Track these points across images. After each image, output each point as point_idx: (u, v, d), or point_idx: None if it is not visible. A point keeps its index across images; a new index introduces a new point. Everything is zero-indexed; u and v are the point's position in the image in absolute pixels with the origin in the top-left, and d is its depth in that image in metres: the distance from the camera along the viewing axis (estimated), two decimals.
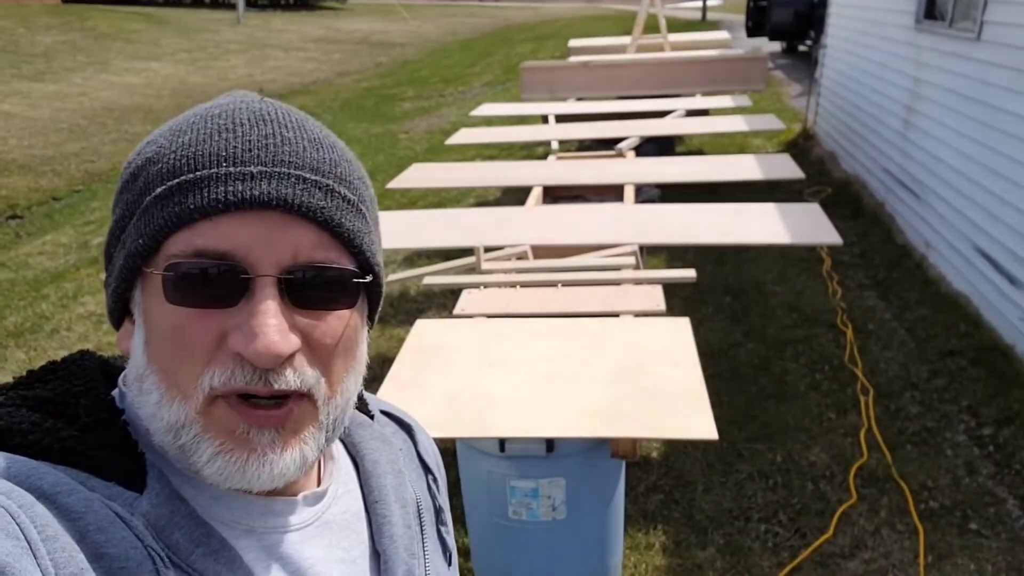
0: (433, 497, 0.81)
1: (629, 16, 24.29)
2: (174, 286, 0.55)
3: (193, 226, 0.55)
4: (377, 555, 0.70)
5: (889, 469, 3.17)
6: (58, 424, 0.56)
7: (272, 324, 0.54)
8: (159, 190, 0.56)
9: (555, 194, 4.46)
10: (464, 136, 6.02)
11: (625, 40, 9.56)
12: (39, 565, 0.47)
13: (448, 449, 2.99)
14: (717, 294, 4.85)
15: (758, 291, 4.89)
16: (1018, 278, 3.87)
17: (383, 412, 0.83)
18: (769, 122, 5.90)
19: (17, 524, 0.48)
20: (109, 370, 0.66)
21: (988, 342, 4.04)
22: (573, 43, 10.13)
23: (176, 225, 0.55)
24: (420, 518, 0.76)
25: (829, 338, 4.26)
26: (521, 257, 3.17)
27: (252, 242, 0.55)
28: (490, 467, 2.19)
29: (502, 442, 2.10)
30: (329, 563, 0.66)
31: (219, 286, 0.55)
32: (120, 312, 0.62)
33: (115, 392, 0.63)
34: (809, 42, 14.71)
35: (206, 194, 0.55)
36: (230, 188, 0.55)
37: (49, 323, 5.17)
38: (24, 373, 0.61)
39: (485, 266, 3.02)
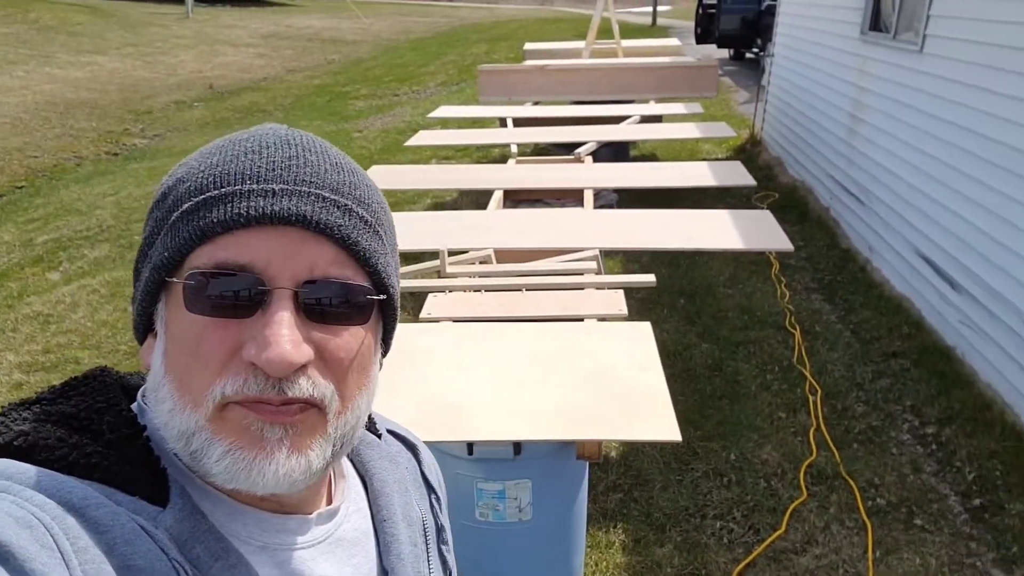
0: (436, 516, 0.84)
1: (582, 19, 24.47)
2: (193, 295, 0.57)
3: (216, 240, 0.57)
4: (385, 572, 0.73)
5: (838, 467, 3.29)
6: (83, 440, 0.58)
7: (285, 334, 0.56)
8: (186, 206, 0.59)
9: (515, 198, 4.51)
10: (424, 138, 6.04)
11: (579, 44, 9.65)
12: None
13: None
14: (672, 296, 4.95)
15: (711, 294, 5.01)
16: (958, 282, 4.04)
17: (389, 431, 0.85)
18: (720, 129, 6.03)
19: (51, 536, 0.49)
20: (126, 386, 0.67)
21: (930, 344, 4.20)
22: (528, 46, 10.20)
23: (200, 239, 0.57)
24: (425, 536, 0.79)
25: (779, 339, 4.39)
26: (485, 261, 3.21)
27: (271, 256, 0.57)
28: (458, 470, 2.22)
29: (470, 445, 2.13)
30: None
31: (237, 297, 0.57)
32: (144, 327, 0.64)
33: (134, 406, 0.65)
34: (756, 50, 15.02)
35: (229, 209, 0.57)
36: (252, 204, 0.57)
37: None
38: (45, 389, 0.63)
39: (449, 270, 3.05)
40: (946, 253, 4.18)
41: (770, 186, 7.10)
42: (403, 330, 2.63)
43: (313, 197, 0.59)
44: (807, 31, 7.30)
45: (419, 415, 2.09)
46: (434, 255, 3.10)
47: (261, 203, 0.57)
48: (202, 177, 0.60)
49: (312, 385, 0.58)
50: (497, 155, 8.14)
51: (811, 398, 3.78)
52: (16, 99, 12.22)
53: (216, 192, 0.58)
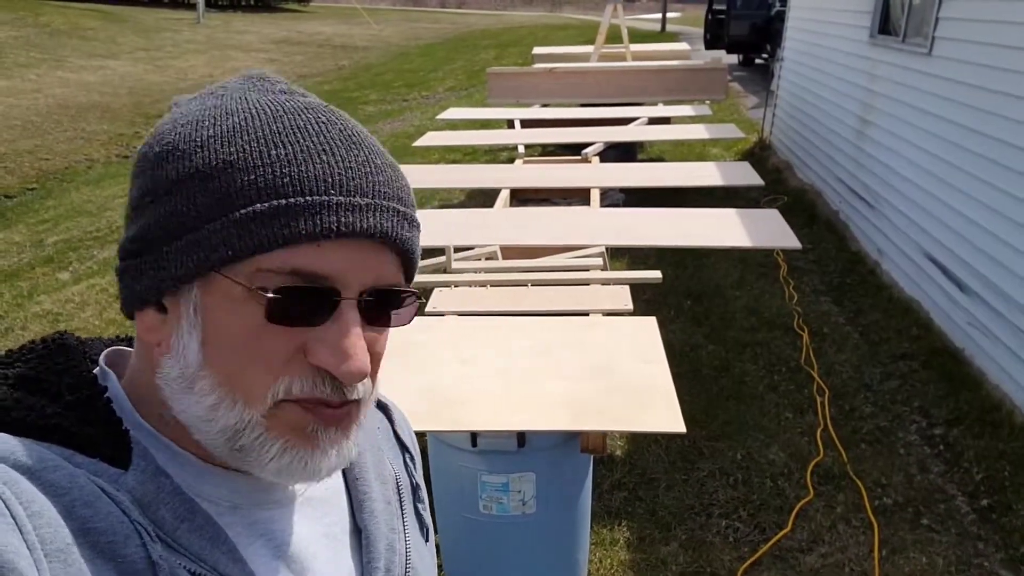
0: (410, 474, 0.83)
1: (590, 26, 24.54)
2: (264, 300, 0.56)
3: (295, 247, 0.56)
4: (358, 530, 0.72)
5: (845, 467, 3.27)
6: (41, 401, 0.56)
7: (361, 346, 0.57)
8: (259, 207, 0.55)
9: (522, 196, 4.51)
10: (431, 139, 6.05)
11: (588, 49, 9.67)
12: (25, 541, 0.48)
13: (419, 444, 3.02)
14: (678, 298, 4.94)
15: (718, 295, 4.99)
16: (966, 284, 4.02)
17: None
18: (729, 131, 6.03)
19: (3, 501, 0.48)
20: (87, 350, 0.66)
21: (938, 345, 4.18)
22: (537, 50, 10.23)
23: (279, 244, 0.55)
24: (399, 494, 0.78)
25: (786, 341, 4.37)
26: (491, 257, 3.21)
27: (347, 267, 0.57)
28: (461, 462, 2.22)
29: (474, 437, 2.13)
30: (312, 539, 0.67)
31: (311, 305, 0.56)
32: (141, 300, 0.60)
33: (97, 370, 0.63)
34: (766, 55, 15.03)
35: (317, 221, 0.55)
36: (341, 219, 0.56)
37: (3, 322, 5.06)
38: (3, 353, 0.61)
39: (455, 266, 3.05)
40: (954, 255, 4.16)
41: (779, 189, 7.08)
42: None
43: (391, 212, 0.59)
44: (816, 35, 7.30)
45: (423, 406, 2.08)
46: (440, 251, 3.10)
47: (350, 219, 0.56)
48: (272, 175, 0.56)
49: (364, 388, 0.61)
50: (505, 159, 8.15)
51: (818, 399, 3.76)
52: (28, 102, 12.31)
53: (300, 200, 0.55)
